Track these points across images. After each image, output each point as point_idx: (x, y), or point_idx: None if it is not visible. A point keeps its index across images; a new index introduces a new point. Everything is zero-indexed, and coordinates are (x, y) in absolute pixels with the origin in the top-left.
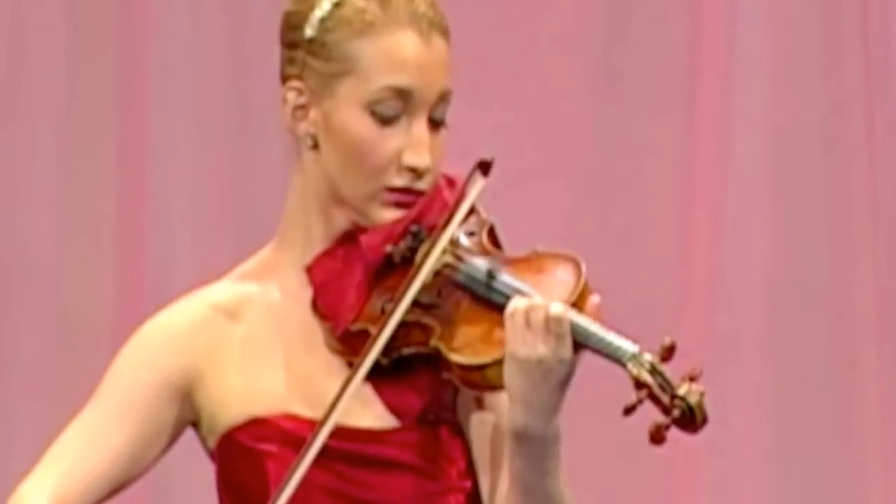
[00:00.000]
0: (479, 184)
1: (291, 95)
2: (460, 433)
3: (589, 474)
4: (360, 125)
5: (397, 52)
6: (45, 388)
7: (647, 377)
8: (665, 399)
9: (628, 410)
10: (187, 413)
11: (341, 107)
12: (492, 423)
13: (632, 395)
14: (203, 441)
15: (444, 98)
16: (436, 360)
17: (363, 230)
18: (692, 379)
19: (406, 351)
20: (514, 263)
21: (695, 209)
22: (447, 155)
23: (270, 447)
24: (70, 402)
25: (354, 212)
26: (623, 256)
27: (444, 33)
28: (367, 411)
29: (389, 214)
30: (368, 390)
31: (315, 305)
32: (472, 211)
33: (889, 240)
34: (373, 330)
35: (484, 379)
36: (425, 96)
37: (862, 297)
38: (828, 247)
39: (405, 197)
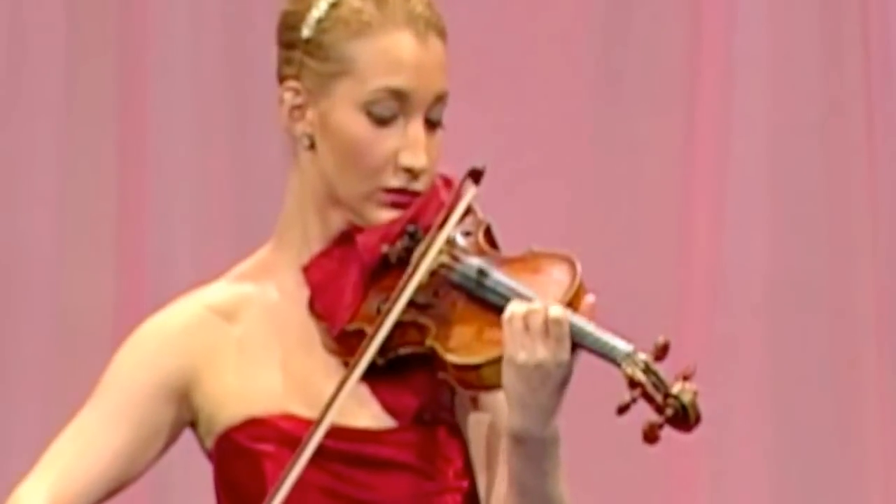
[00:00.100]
0: (470, 192)
1: (288, 96)
2: (457, 433)
3: (589, 475)
4: (357, 125)
5: (394, 53)
6: (44, 388)
7: (640, 376)
8: (658, 398)
9: (622, 409)
10: (185, 414)
11: (338, 107)
12: (488, 422)
13: (626, 395)
14: (201, 441)
15: (440, 99)
16: (431, 360)
17: (360, 230)
18: (686, 378)
19: (402, 351)
20: (509, 263)
21: (695, 209)
22: (447, 155)
23: (268, 447)
24: (70, 402)
25: (351, 212)
26: (623, 256)
27: (441, 34)
28: (364, 411)
29: (386, 215)
30: (365, 390)
31: (312, 305)
32: (468, 211)
33: (889, 240)
34: (369, 330)
35: (479, 379)
36: (422, 97)
37: (862, 297)
38: (828, 247)
39: (401, 197)
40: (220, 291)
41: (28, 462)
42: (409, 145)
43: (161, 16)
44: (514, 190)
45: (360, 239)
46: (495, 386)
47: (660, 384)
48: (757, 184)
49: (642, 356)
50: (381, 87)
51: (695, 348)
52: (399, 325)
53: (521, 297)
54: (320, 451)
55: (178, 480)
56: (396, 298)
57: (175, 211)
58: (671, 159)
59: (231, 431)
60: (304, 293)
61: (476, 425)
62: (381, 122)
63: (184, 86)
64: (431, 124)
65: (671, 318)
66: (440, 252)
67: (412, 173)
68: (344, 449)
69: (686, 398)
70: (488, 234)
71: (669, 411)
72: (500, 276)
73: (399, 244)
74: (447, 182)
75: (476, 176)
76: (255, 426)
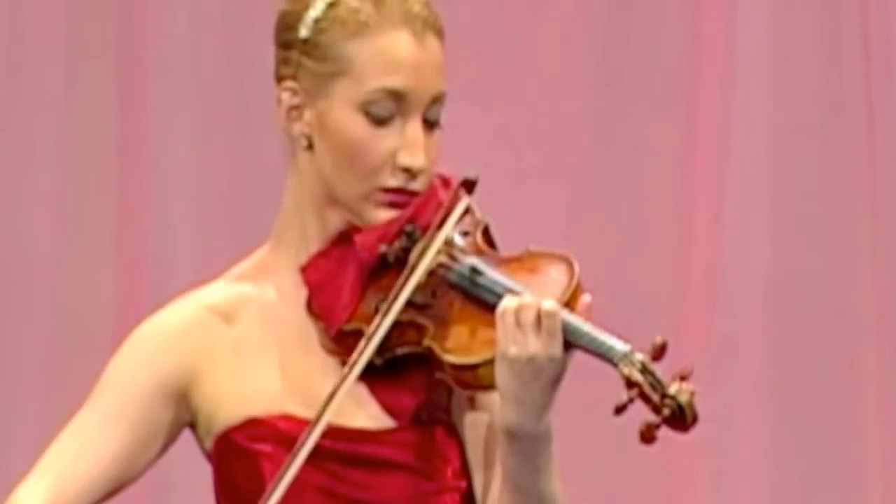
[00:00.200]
0: (464, 202)
1: (286, 96)
2: (455, 433)
3: (588, 475)
4: (355, 126)
5: (391, 53)
6: (44, 388)
7: (637, 376)
8: (655, 398)
9: (619, 409)
10: (183, 414)
11: (335, 107)
12: (486, 422)
13: (623, 395)
14: (200, 442)
15: (438, 99)
16: (429, 360)
17: (358, 230)
18: (683, 378)
19: (400, 351)
20: (507, 263)
21: (695, 209)
22: (447, 154)
23: (266, 447)
24: (70, 402)
25: (349, 212)
26: (623, 256)
27: (439, 34)
28: (362, 411)
29: (384, 215)
30: (363, 390)
31: (310, 305)
32: (466, 211)
33: (889, 240)
34: (367, 330)
35: (476, 379)
36: (419, 97)
37: (862, 297)
38: (828, 247)
39: (399, 197)
40: (218, 292)
41: (28, 462)
42: (407, 145)
43: (161, 16)
44: (514, 190)
45: (358, 239)
46: (493, 386)
47: (657, 384)
48: (757, 184)
49: (639, 356)
50: (378, 88)
51: (694, 348)
52: (397, 325)
53: (514, 293)
54: (318, 452)
55: (178, 480)
56: (394, 298)
57: (175, 211)
58: (671, 159)
59: (230, 432)
60: (302, 293)
61: (473, 425)
62: (379, 122)
63: (184, 86)
64: (429, 124)
65: (671, 318)
66: (438, 252)
67: (410, 173)
68: (341, 449)
69: (683, 398)
70: (486, 234)
71: (666, 411)
72: (494, 275)
73: (397, 244)
74: (445, 182)
75: (469, 186)
76: (253, 426)
